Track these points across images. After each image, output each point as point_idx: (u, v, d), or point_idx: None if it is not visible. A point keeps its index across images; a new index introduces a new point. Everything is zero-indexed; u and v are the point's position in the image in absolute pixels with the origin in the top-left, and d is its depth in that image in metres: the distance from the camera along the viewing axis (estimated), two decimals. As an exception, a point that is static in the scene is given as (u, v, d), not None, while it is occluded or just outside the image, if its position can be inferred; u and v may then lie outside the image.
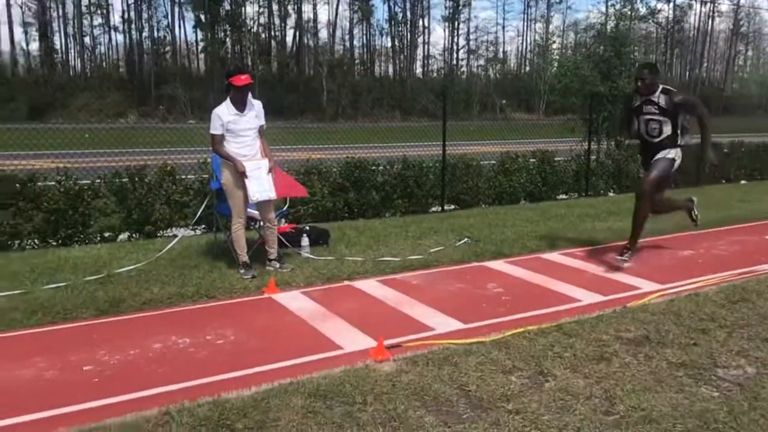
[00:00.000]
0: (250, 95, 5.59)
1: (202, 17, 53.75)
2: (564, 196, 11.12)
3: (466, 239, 6.98)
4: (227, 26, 55.07)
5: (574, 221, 8.35)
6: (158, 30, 56.31)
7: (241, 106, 5.51)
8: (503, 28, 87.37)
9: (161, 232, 7.55)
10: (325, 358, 3.78)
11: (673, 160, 5.90)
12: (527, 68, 68.96)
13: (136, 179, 7.61)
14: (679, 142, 5.88)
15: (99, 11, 56.10)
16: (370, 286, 5.27)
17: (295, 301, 4.87)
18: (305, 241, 6.32)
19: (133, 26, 55.02)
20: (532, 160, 10.82)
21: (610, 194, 11.63)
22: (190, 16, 57.02)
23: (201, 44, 56.62)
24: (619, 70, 13.36)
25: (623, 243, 6.18)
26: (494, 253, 6.43)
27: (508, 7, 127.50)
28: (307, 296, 4.98)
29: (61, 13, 54.58)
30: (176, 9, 56.35)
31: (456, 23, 65.59)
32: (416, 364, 3.66)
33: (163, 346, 3.95)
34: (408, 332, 4.20)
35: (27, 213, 6.97)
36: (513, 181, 10.40)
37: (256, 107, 5.65)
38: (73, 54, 55.86)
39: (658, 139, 5.87)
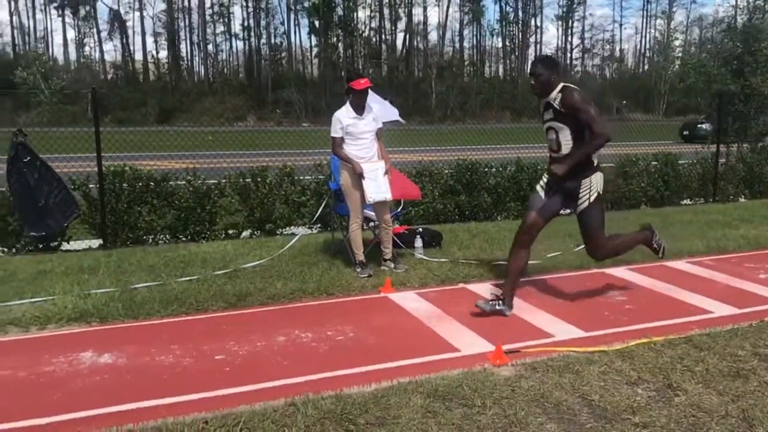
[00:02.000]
0: (369, 100, 5.73)
1: (316, 23, 55.48)
2: (688, 202, 10.50)
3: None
4: (340, 31, 56.48)
5: (702, 228, 7.86)
6: (275, 36, 58.77)
7: (360, 109, 5.66)
8: (620, 25, 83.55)
9: (280, 230, 7.88)
10: (443, 360, 3.80)
11: (593, 194, 4.50)
12: (646, 67, 65.76)
13: (258, 179, 7.98)
14: (594, 161, 4.53)
15: (221, 20, 59.31)
16: (486, 289, 5.23)
17: (410, 301, 4.93)
18: (419, 242, 6.37)
19: (252, 33, 57.72)
20: (654, 162, 10.30)
21: (741, 200, 10.85)
22: (305, 22, 59.02)
23: (315, 49, 58.45)
24: (752, 68, 12.43)
25: (752, 253, 5.72)
26: (615, 259, 6.16)
27: (626, 4, 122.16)
28: (422, 297, 5.03)
29: (187, 22, 58.23)
30: (292, 16, 58.49)
31: (570, 22, 63.72)
32: (536, 371, 3.60)
33: (287, 339, 4.12)
34: (526, 338, 4.14)
35: (161, 210, 7.50)
36: (632, 185, 9.95)
37: (374, 111, 5.79)
38: (197, 61, 59.45)
39: (558, 155, 4.55)
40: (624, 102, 52.66)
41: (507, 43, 62.81)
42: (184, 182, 7.73)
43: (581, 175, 4.50)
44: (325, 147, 11.10)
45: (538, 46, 64.04)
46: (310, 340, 4.12)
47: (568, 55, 63.47)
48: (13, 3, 55.60)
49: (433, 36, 62.87)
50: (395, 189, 5.80)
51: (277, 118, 45.00)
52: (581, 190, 4.53)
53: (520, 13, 62.40)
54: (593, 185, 4.52)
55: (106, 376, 3.56)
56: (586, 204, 4.54)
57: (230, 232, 7.82)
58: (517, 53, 62.14)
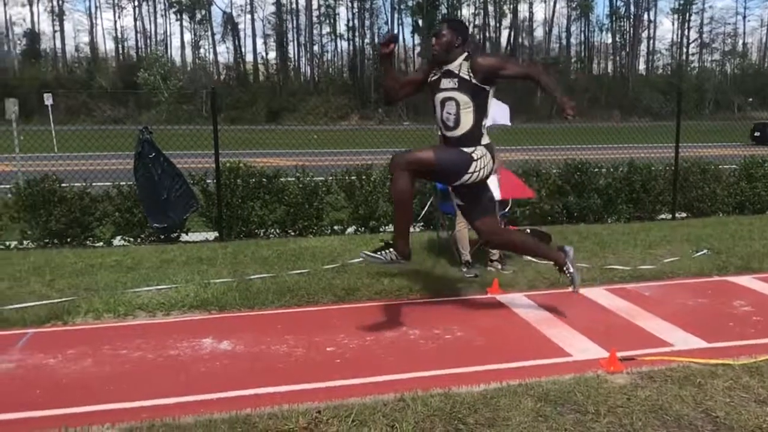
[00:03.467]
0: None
1: (419, 22, 55.65)
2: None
3: (705, 250, 6.39)
4: (443, 29, 56.35)
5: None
6: (379, 36, 59.47)
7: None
8: (744, 18, 78.13)
9: (383, 227, 7.97)
10: (553, 364, 3.71)
11: (467, 153, 4.05)
12: (772, 61, 61.13)
13: (363, 177, 8.12)
14: (482, 140, 4.11)
15: (327, 20, 60.80)
16: (598, 294, 5.06)
17: (519, 303, 4.85)
18: (527, 243, 6.24)
19: (356, 33, 58.79)
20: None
21: None
22: (408, 21, 59.39)
23: (417, 48, 58.66)
24: None
25: None
26: (740, 267, 5.80)
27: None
28: (531, 299, 4.93)
29: (294, 24, 60.15)
30: (395, 15, 59.01)
31: (687, 15, 60.24)
32: (653, 381, 3.44)
33: (395, 335, 4.17)
34: (642, 346, 3.96)
35: (271, 205, 7.80)
36: (758, 189, 9.28)
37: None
38: (303, 61, 61.27)
39: (454, 133, 4.08)
40: (750, 99, 49.18)
41: (617, 39, 60.31)
42: (293, 179, 7.99)
43: (477, 149, 4.09)
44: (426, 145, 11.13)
45: (651, 42, 61.07)
46: (417, 337, 4.14)
47: (684, 50, 60.05)
48: (137, 9, 59.64)
49: (539, 32, 61.42)
50: (505, 189, 5.73)
51: (379, 116, 45.56)
52: (476, 164, 4.08)
53: (632, 7, 59.73)
54: (487, 165, 4.13)
55: (225, 362, 3.74)
56: (476, 178, 4.13)
57: (336, 228, 8.00)
58: (627, 49, 59.51)
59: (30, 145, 15.51)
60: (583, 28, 61.45)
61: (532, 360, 3.76)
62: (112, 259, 6.08)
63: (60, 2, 58.71)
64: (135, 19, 60.25)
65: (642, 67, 61.25)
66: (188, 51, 61.31)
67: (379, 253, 4.12)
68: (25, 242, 7.18)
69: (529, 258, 6.10)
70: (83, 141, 14.09)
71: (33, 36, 57.32)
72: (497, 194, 5.56)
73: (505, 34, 59.66)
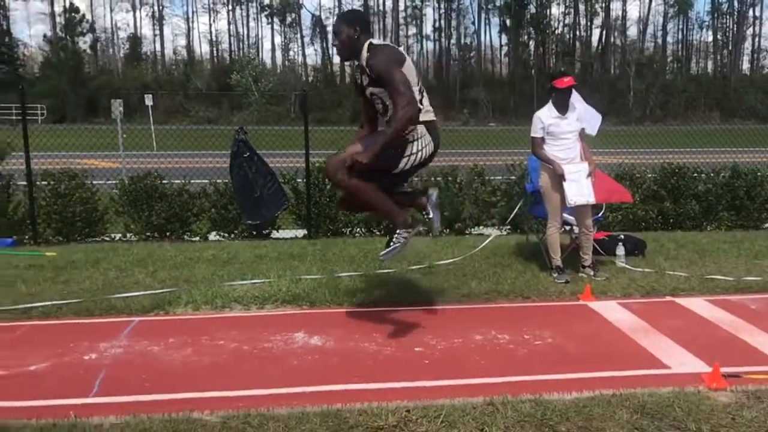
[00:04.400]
0: (574, 99, 5.56)
1: (507, 22, 54.88)
2: None
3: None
4: (531, 29, 55.38)
5: None
6: (465, 36, 59.14)
7: (562, 108, 5.50)
8: None
9: (469, 229, 7.92)
10: (649, 375, 3.57)
11: (408, 141, 3.81)
12: None
13: (449, 179, 8.09)
14: (421, 117, 3.87)
15: (414, 21, 61.00)
16: (698, 305, 4.82)
17: (612, 311, 4.70)
18: (621, 249, 6.03)
19: (442, 34, 58.65)
20: None
21: None
22: (495, 21, 58.71)
23: (504, 48, 57.89)
24: None
25: None
26: None
27: None
28: (625, 308, 4.76)
29: (381, 26, 60.68)
30: (483, 15, 58.45)
31: (797, 10, 56.38)
32: (761, 401, 3.25)
33: (483, 338, 4.14)
34: (748, 362, 3.74)
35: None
36: None
37: (578, 110, 5.60)
38: (389, 62, 61.67)
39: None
40: None
41: (718, 37, 57.22)
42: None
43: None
44: (514, 147, 10.95)
45: (756, 40, 57.56)
46: (507, 341, 4.09)
47: (795, 48, 56.29)
48: (231, 13, 61.96)
49: (633, 31, 59.17)
50: (600, 192, 5.56)
51: (463, 117, 45.27)
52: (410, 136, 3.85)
53: (736, 3, 56.51)
54: (420, 136, 3.86)
55: (316, 357, 3.84)
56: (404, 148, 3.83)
57: (422, 229, 8.00)
58: (730, 48, 56.36)
59: (132, 143, 16.41)
60: (680, 26, 58.78)
61: (627, 370, 3.63)
62: (209, 253, 6.35)
63: (160, 8, 61.88)
64: (229, 23, 62.69)
65: (746, 66, 57.88)
66: (278, 53, 63.17)
67: (391, 245, 4.02)
68: (128, 235, 7.61)
69: (623, 264, 5.90)
70: (180, 140, 14.78)
71: (135, 40, 60.63)
72: (592, 198, 5.41)
73: (596, 33, 57.89)
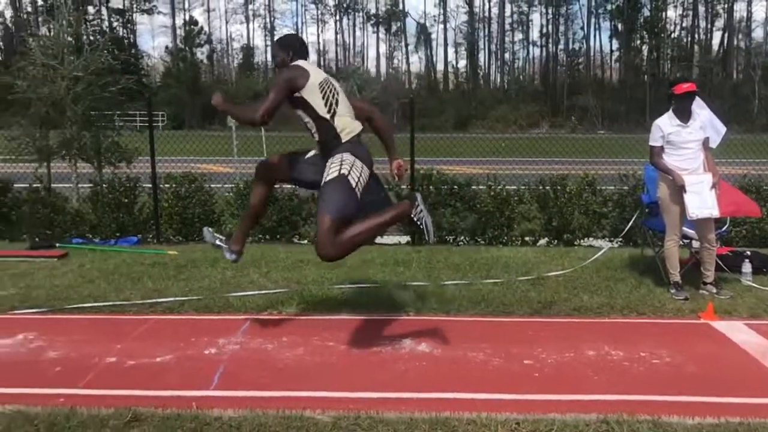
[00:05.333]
0: (697, 105, 5.28)
1: (619, 26, 52.87)
2: None
3: None
4: (645, 33, 53.04)
5: None
6: (573, 42, 57.53)
7: (684, 116, 5.23)
8: None
9: (578, 241, 7.67)
10: (782, 405, 3.31)
11: (345, 176, 3.67)
12: None
13: (558, 188, 7.88)
14: (342, 138, 3.78)
15: (520, 27, 60.08)
16: (838, 329, 4.43)
17: (738, 332, 4.40)
18: (747, 267, 5.64)
19: (549, 40, 57.37)
20: None
21: None
22: (606, 25, 56.72)
23: (615, 53, 55.81)
24: None
25: None
26: None
27: None
28: (753, 329, 4.44)
29: (486, 32, 60.21)
30: (593, 20, 56.63)
31: None
32: None
33: (596, 354, 4.00)
34: None
35: (462, 213, 7.87)
36: None
37: (701, 118, 5.30)
38: (493, 69, 61.12)
39: (317, 141, 3.91)
40: None
41: None
42: (484, 187, 7.99)
43: (331, 151, 3.81)
44: (625, 156, 10.50)
45: None
46: (621, 358, 3.93)
47: None
48: (338, 23, 63.60)
49: (758, 33, 55.22)
50: (724, 205, 5.23)
51: (571, 124, 43.98)
52: (331, 164, 3.76)
53: None
54: (342, 163, 3.71)
55: (424, 363, 3.85)
56: (327, 177, 3.73)
57: (527, 238, 7.86)
58: None
59: (244, 149, 17.15)
60: (813, 27, 54.28)
61: (757, 397, 3.39)
62: (317, 257, 6.51)
63: (272, 19, 64.51)
64: (336, 33, 64.34)
65: None
66: (383, 61, 64.14)
67: (422, 227, 3.86)
68: (241, 236, 7.96)
69: (749, 283, 5.52)
70: (287, 146, 15.29)
71: (248, 50, 63.54)
72: (715, 211, 5.10)
73: (717, 36, 54.55)
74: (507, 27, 59.71)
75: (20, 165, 9.11)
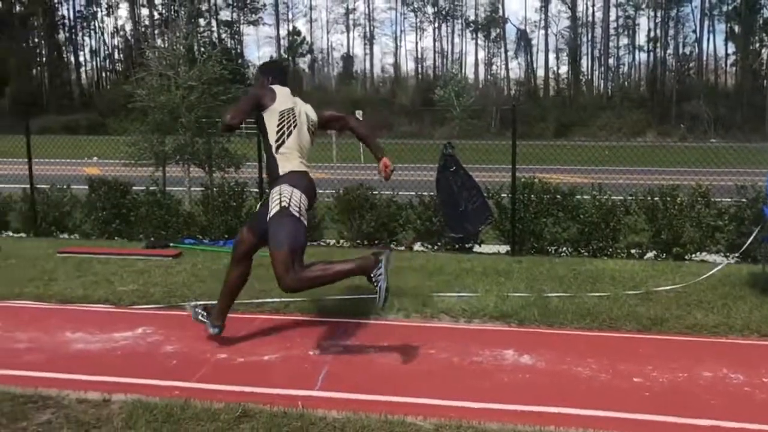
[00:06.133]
0: None
1: (736, 28, 49.82)
2: None
3: None
4: (764, 35, 49.67)
5: None
6: (683, 46, 54.75)
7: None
8: None
9: (689, 255, 7.27)
10: None
11: (286, 208, 3.83)
12: None
13: (667, 199, 7.51)
14: (279, 170, 3.95)
15: (626, 32, 57.90)
16: None
17: None
18: None
19: (657, 44, 54.88)
20: None
21: None
22: (721, 28, 53.64)
23: (731, 57, 52.62)
24: None
25: None
26: None
27: None
28: None
29: (589, 37, 58.46)
30: (706, 22, 53.66)
31: None
32: None
33: (713, 376, 3.77)
34: None
35: (565, 223, 7.65)
36: None
37: None
38: (596, 75, 59.22)
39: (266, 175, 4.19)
40: None
41: None
42: (588, 197, 7.74)
43: (271, 185, 4.00)
44: (743, 166, 9.85)
45: None
46: (741, 383, 3.68)
47: None
48: (437, 31, 63.78)
49: None
50: None
51: (681, 132, 41.80)
52: (271, 200, 3.90)
53: None
54: (281, 195, 3.85)
55: (527, 376, 3.77)
56: (270, 214, 3.87)
57: (633, 251, 7.54)
58: None
59: (342, 155, 17.53)
60: None
61: None
62: (417, 263, 6.55)
63: (371, 28, 65.63)
64: (434, 40, 64.57)
65: None
66: (481, 68, 63.68)
67: (377, 291, 3.78)
68: (341, 241, 8.13)
69: None
70: (385, 153, 15.45)
71: (348, 59, 64.99)
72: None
73: None
74: (612, 31, 57.70)
75: (139, 169, 9.76)
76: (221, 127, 4.09)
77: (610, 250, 7.52)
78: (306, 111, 4.21)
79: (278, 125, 3.97)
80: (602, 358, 4.02)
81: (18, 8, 57.71)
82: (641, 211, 7.64)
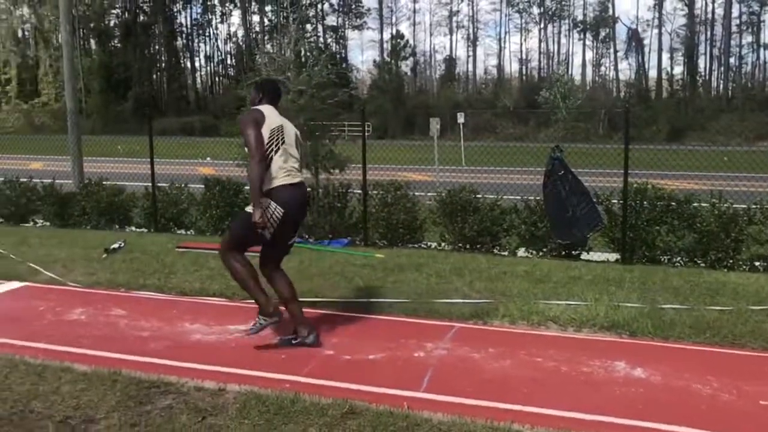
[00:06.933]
0: None
1: None
2: None
3: None
4: None
5: None
6: (818, 41, 50.44)
7: None
8: None
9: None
10: None
11: (249, 213, 4.16)
12: None
13: (800, 208, 6.94)
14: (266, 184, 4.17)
15: (750, 29, 54.14)
16: None
17: None
18: None
19: (787, 41, 50.88)
20: None
21: None
22: None
23: None
24: None
25: None
26: None
27: None
28: None
29: (708, 35, 55.09)
30: None
31: None
32: None
33: None
34: None
35: (680, 231, 7.24)
36: None
37: None
38: (715, 75, 55.72)
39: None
40: None
41: None
42: (707, 205, 7.29)
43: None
44: None
45: None
46: None
47: None
48: (542, 31, 62.34)
49: None
50: None
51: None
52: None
53: None
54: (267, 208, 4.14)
55: (640, 390, 3.60)
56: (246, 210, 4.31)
57: (757, 263, 7.02)
58: None
59: (443, 158, 17.49)
60: None
61: None
62: (521, 269, 6.42)
63: (475, 30, 65.08)
64: (540, 41, 63.07)
65: None
66: (588, 69, 61.58)
67: (253, 324, 4.28)
68: (442, 244, 8.10)
69: None
70: (487, 156, 15.29)
71: (450, 61, 64.72)
72: None
73: None
74: (734, 29, 54.08)
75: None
76: (259, 163, 4.12)
77: (731, 261, 7.05)
78: (292, 127, 4.49)
79: (267, 143, 4.20)
80: (724, 376, 3.78)
81: (141, 17, 61.83)
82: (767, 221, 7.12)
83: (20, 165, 12.23)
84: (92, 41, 61.68)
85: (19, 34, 61.01)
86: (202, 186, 9.08)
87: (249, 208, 4.18)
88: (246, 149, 4.19)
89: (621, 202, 7.43)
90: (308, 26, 58.22)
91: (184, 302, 5.37)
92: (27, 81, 57.16)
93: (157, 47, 63.84)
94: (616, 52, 59.12)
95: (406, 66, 61.45)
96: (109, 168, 10.68)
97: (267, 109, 4.32)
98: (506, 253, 7.77)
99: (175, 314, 5.01)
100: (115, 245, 7.55)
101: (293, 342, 4.31)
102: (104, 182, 9.70)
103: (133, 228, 9.47)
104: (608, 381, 3.72)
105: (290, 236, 4.45)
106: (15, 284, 5.90)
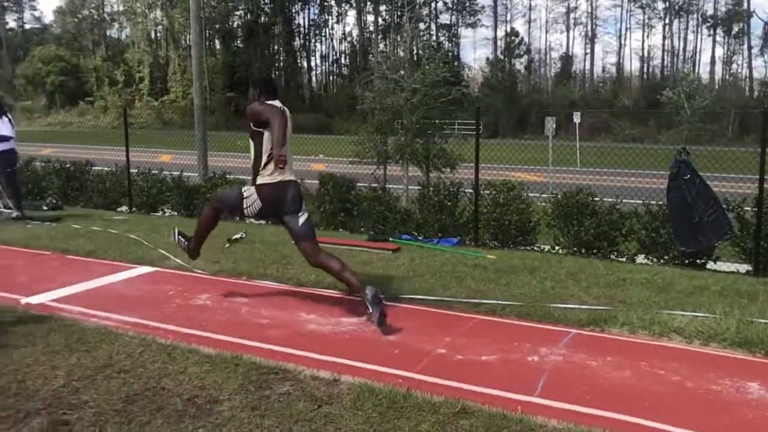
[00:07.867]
0: None
1: None
2: None
3: None
4: None
5: None
6: None
7: None
8: None
9: None
10: None
11: (242, 194, 5.00)
12: None
13: None
14: (258, 179, 4.91)
15: None
16: None
17: None
18: None
19: None
20: None
21: None
22: None
23: None
24: None
25: None
26: None
27: None
28: None
29: None
30: None
31: None
32: None
33: None
34: None
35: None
36: None
37: None
38: None
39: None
40: None
41: None
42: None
43: (251, 182, 5.06)
44: None
45: None
46: None
47: None
48: (667, 27, 59.02)
49: None
50: None
51: None
52: (245, 188, 5.09)
53: None
54: (248, 191, 5.00)
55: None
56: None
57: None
58: None
59: (557, 158, 17.01)
60: None
61: None
62: (641, 277, 6.12)
63: (593, 27, 62.67)
64: (664, 38, 59.76)
65: None
66: (718, 67, 57.67)
67: (179, 240, 5.56)
68: (556, 247, 7.87)
69: None
70: (603, 157, 14.66)
71: (566, 59, 62.72)
72: None
73: None
74: None
75: (362, 166, 10.37)
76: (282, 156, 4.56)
77: None
78: (290, 120, 4.94)
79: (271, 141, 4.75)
80: None
81: (262, 18, 64.52)
82: None
83: (151, 158, 13.10)
84: (217, 42, 65.09)
85: (152, 35, 65.55)
86: (317, 182, 9.35)
87: (245, 190, 4.94)
88: (252, 141, 4.86)
89: (755, 209, 6.91)
90: (422, 25, 58.42)
91: (300, 293, 5.56)
92: (158, 80, 61.25)
93: (276, 47, 66.41)
94: (750, 48, 54.94)
95: (519, 64, 60.25)
96: (231, 162, 11.20)
97: (277, 104, 4.85)
98: (624, 259, 7.45)
99: (293, 304, 5.20)
100: (237, 236, 7.95)
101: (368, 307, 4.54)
102: (227, 176, 10.23)
103: (252, 220, 9.91)
104: (740, 403, 3.47)
105: (272, 216, 5.17)
106: (147, 269, 6.36)
